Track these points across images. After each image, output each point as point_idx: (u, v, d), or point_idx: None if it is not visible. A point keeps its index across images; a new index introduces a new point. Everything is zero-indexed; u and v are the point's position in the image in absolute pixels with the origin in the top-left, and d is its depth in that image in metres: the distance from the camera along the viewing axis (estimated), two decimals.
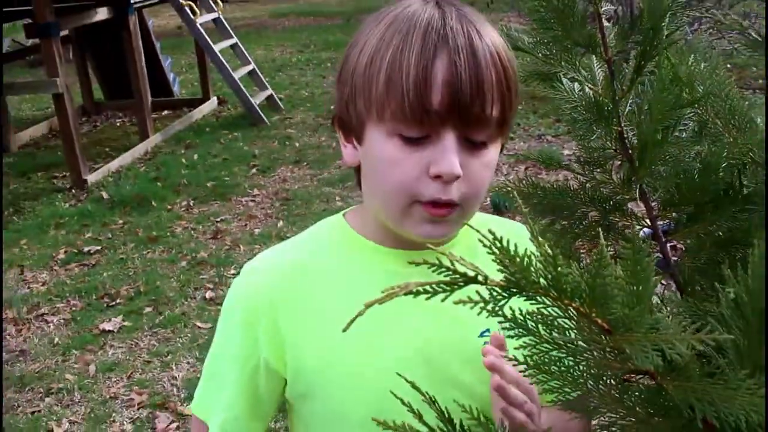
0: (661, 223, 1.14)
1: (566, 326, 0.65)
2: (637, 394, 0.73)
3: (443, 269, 0.54)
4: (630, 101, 1.10)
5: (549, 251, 0.54)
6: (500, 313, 0.61)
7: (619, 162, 1.14)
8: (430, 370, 0.98)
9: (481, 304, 0.55)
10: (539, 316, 0.66)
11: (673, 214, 1.14)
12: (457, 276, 0.53)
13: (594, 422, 0.77)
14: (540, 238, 0.59)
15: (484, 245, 0.57)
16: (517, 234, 1.10)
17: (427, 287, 0.54)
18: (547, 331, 0.67)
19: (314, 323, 1.00)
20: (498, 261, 0.54)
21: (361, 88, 0.92)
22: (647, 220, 1.14)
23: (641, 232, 1.18)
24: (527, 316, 0.67)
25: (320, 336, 1.00)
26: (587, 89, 1.08)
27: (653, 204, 1.13)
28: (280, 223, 5.34)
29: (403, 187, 0.91)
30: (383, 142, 0.91)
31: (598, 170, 1.17)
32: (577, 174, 1.18)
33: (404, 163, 0.90)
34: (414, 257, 0.98)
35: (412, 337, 1.00)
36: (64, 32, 7.31)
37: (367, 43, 0.93)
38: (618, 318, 0.60)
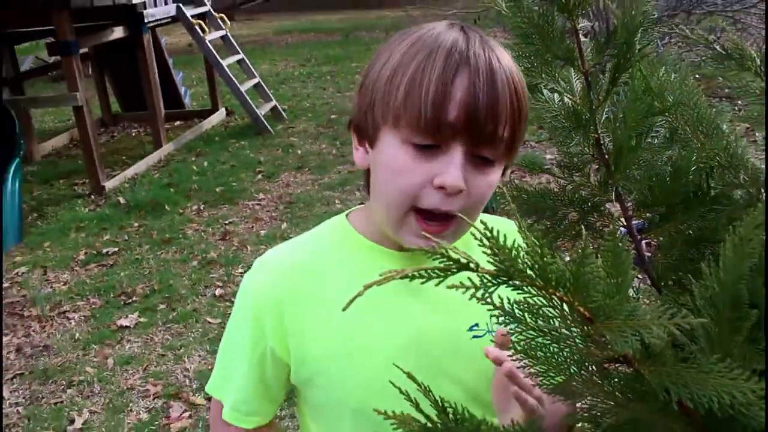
0: (635, 222, 1.15)
1: (551, 314, 0.65)
2: (616, 379, 0.73)
3: (437, 256, 0.54)
4: (606, 110, 1.10)
5: (536, 242, 0.55)
6: (489, 300, 0.62)
7: (597, 166, 1.15)
8: (423, 360, 0.98)
9: (472, 291, 0.55)
10: (526, 305, 0.66)
11: (647, 214, 1.15)
12: (450, 263, 0.54)
13: (577, 405, 0.76)
14: (527, 231, 0.59)
15: (476, 237, 0.57)
16: (506, 228, 1.11)
17: (422, 272, 0.54)
18: (533, 319, 0.67)
19: (315, 317, 1.00)
20: (488, 250, 0.55)
21: (381, 97, 0.91)
22: (623, 220, 1.15)
23: (619, 231, 1.18)
24: (515, 305, 0.68)
25: (321, 328, 1.00)
26: (566, 99, 1.09)
27: (628, 205, 1.14)
28: (284, 225, 5.34)
29: (406, 193, 0.90)
30: (396, 149, 0.90)
31: (577, 174, 1.17)
32: (557, 177, 1.19)
33: (412, 171, 0.89)
34: (412, 259, 0.98)
35: (407, 330, 1.00)
36: (84, 50, 7.30)
37: (391, 57, 0.92)
38: (599, 306, 0.60)
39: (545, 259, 0.56)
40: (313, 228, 1.11)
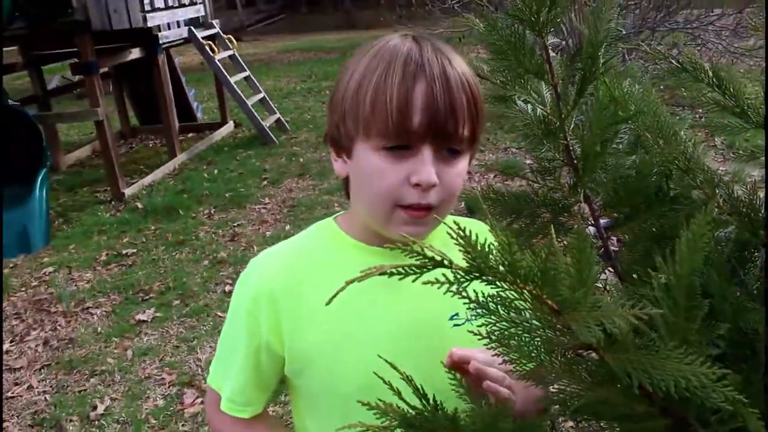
0: (603, 221, 1.14)
1: (521, 307, 0.65)
2: (582, 365, 0.73)
3: (414, 254, 0.53)
4: (574, 119, 1.10)
5: (506, 240, 0.54)
6: (464, 294, 0.61)
7: (566, 170, 1.14)
8: (410, 348, 0.98)
9: (447, 285, 0.55)
10: (498, 298, 0.66)
11: (613, 213, 1.14)
12: (426, 260, 0.53)
13: (549, 390, 0.76)
14: (498, 230, 0.58)
15: (452, 236, 0.57)
16: (478, 228, 1.10)
17: (400, 269, 0.53)
18: (506, 311, 0.67)
19: (307, 309, 0.99)
20: (461, 248, 0.54)
21: (351, 110, 0.92)
22: (591, 219, 1.14)
23: (588, 230, 1.18)
24: (488, 298, 0.67)
25: (311, 320, 0.99)
26: (538, 110, 1.08)
27: (596, 206, 1.13)
28: (288, 227, 5.33)
29: (387, 193, 0.91)
30: (370, 155, 0.91)
31: (549, 178, 1.17)
32: (531, 181, 1.18)
33: (388, 174, 0.90)
34: (393, 255, 0.98)
35: (393, 320, 0.99)
36: (104, 69, 7.28)
37: (355, 72, 0.93)
38: (565, 299, 0.60)
39: (515, 256, 0.55)
40: (303, 230, 1.11)
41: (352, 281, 0.50)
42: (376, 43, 0.95)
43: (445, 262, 0.52)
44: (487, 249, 0.55)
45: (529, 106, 1.10)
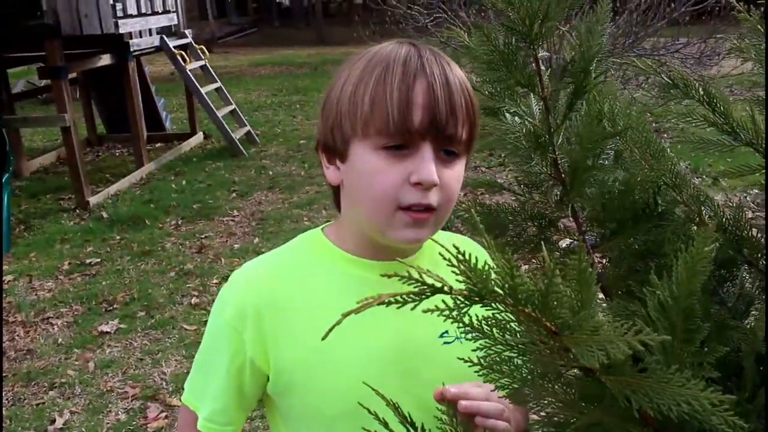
0: (588, 237, 1.12)
1: (517, 329, 0.61)
2: (578, 388, 0.70)
3: (412, 281, 0.50)
4: (561, 133, 1.08)
5: (507, 263, 0.50)
6: (460, 319, 0.58)
7: (553, 184, 1.12)
8: (399, 367, 0.94)
9: (446, 312, 0.51)
10: (494, 321, 0.62)
11: (599, 229, 1.12)
12: (425, 287, 0.49)
13: (542, 414, 0.72)
14: (499, 253, 0.55)
15: (445, 258, 0.53)
16: (472, 248, 1.07)
17: (398, 297, 0.50)
18: (500, 333, 0.63)
19: (293, 325, 0.95)
20: (460, 272, 0.50)
21: (347, 111, 0.90)
22: (577, 235, 1.12)
23: (571, 245, 1.16)
24: (483, 321, 0.64)
25: (298, 337, 0.94)
26: (527, 123, 1.06)
27: (582, 220, 1.11)
28: (256, 240, 5.25)
29: (387, 193, 0.88)
30: (369, 155, 0.89)
31: (536, 191, 1.15)
32: (517, 195, 1.16)
33: (388, 173, 0.88)
34: (385, 268, 0.95)
35: (382, 339, 0.95)
36: (72, 75, 7.14)
37: (350, 76, 0.91)
38: (564, 322, 0.57)
39: (516, 280, 0.52)
40: (288, 242, 1.06)
41: (348, 314, 0.46)
42: (370, 50, 0.93)
43: (446, 288, 0.49)
44: (485, 272, 0.52)
45: (518, 119, 1.08)
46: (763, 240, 1.00)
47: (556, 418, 0.72)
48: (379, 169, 0.88)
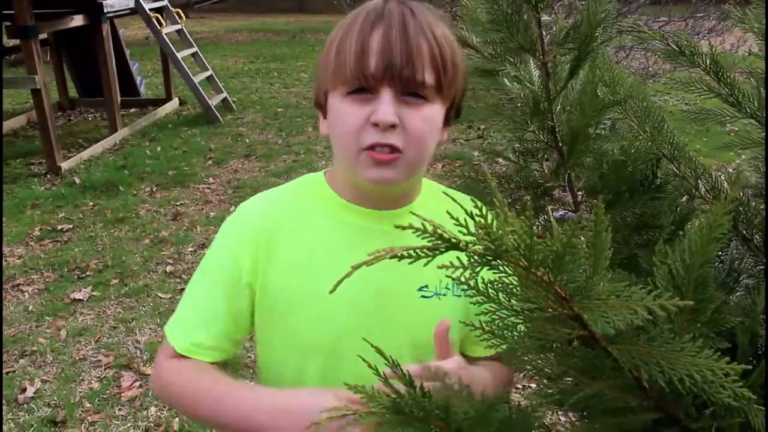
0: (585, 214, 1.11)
1: (524, 294, 0.60)
2: (579, 358, 0.69)
3: (427, 234, 0.47)
4: (560, 100, 1.06)
5: (527, 220, 0.48)
6: (471, 284, 0.56)
7: (549, 153, 1.10)
8: (376, 312, 1.00)
9: (460, 271, 0.49)
10: (500, 285, 0.61)
11: (594, 200, 1.11)
12: (440, 242, 0.47)
13: (542, 385, 0.71)
14: (507, 212, 0.53)
15: (452, 216, 0.52)
16: (470, 204, 1.08)
17: (412, 252, 0.47)
18: (506, 298, 0.61)
19: (287, 256, 1.01)
20: (476, 228, 0.48)
21: (323, 67, 0.97)
22: (572, 205, 1.11)
23: (565, 215, 1.14)
24: (489, 285, 0.62)
25: (287, 271, 1.01)
26: (526, 87, 1.04)
27: (577, 191, 1.10)
28: (232, 208, 5.14)
29: (351, 135, 0.93)
30: (338, 103, 0.95)
31: (531, 160, 1.13)
32: (512, 162, 1.14)
33: (351, 116, 0.93)
34: (373, 215, 1.01)
35: (365, 280, 0.97)
36: (43, 35, 6.94)
37: (330, 37, 0.98)
38: (579, 287, 0.55)
39: (533, 239, 0.50)
40: (292, 181, 1.12)
41: (358, 266, 0.44)
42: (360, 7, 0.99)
43: (461, 245, 0.46)
44: (504, 230, 0.49)
45: (516, 84, 1.05)
46: (761, 216, 0.99)
47: (555, 390, 0.71)
48: (344, 115, 0.94)
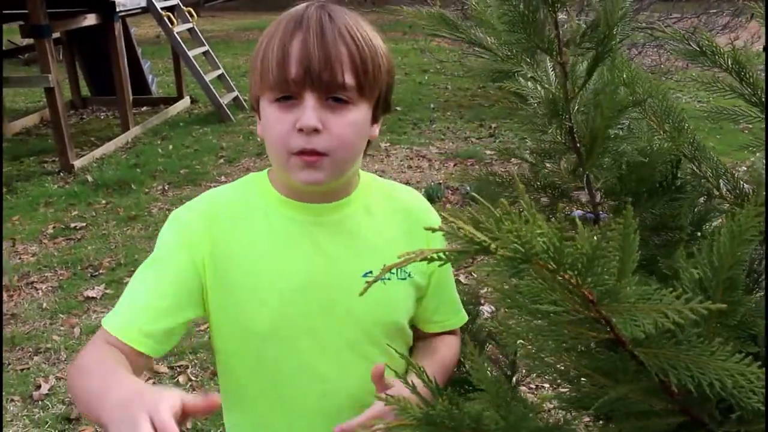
0: (600, 212, 1.10)
1: (550, 298, 0.59)
2: (604, 360, 0.68)
3: (456, 238, 0.47)
4: (578, 100, 1.05)
5: (558, 223, 0.48)
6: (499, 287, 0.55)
7: (567, 154, 1.09)
8: (320, 297, 1.03)
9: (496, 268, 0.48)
10: (526, 288, 0.60)
11: (612, 201, 1.10)
12: (470, 245, 0.46)
13: (564, 389, 0.70)
14: (536, 214, 0.52)
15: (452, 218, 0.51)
16: (421, 201, 1.16)
17: (440, 254, 0.47)
18: (533, 302, 0.61)
19: (230, 248, 1.04)
20: (506, 232, 0.47)
21: (252, 72, 1.00)
22: (590, 206, 1.10)
23: (585, 215, 1.13)
24: (514, 288, 0.61)
25: (231, 258, 1.03)
26: (544, 88, 1.03)
27: (595, 192, 1.09)
28: None
29: (280, 141, 0.96)
30: (267, 108, 0.97)
31: (549, 161, 1.12)
32: (530, 163, 1.13)
33: (279, 122, 0.96)
34: (313, 210, 1.05)
35: (305, 270, 1.04)
36: (56, 35, 6.97)
37: (259, 41, 1.00)
38: (606, 290, 0.54)
39: (563, 242, 0.49)
40: (240, 179, 1.15)
41: (391, 267, 0.44)
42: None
43: (492, 247, 0.46)
44: (533, 233, 0.49)
45: (531, 84, 1.04)
46: None
47: (579, 393, 0.70)
48: (273, 121, 0.97)
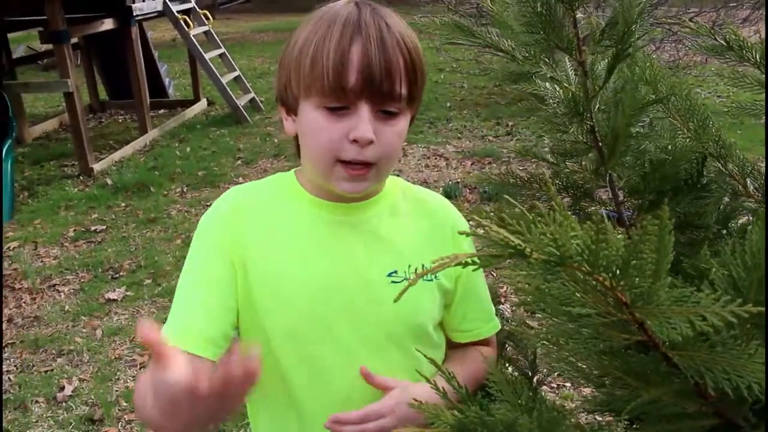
0: (625, 212, 1.09)
1: (582, 300, 0.58)
2: (636, 362, 0.67)
3: (490, 241, 0.46)
4: (598, 99, 1.03)
5: (594, 225, 0.46)
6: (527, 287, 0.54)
7: (588, 153, 1.08)
8: (343, 299, 1.01)
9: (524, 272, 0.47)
10: (557, 290, 0.59)
11: (635, 201, 1.08)
12: (505, 249, 0.45)
13: (597, 392, 0.69)
14: (570, 216, 0.51)
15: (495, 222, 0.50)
16: (448, 205, 1.14)
17: (474, 259, 0.46)
18: (563, 305, 0.60)
19: (260, 246, 1.02)
20: (545, 234, 0.46)
21: (295, 71, 0.95)
22: (613, 206, 1.08)
23: (610, 214, 1.12)
24: (545, 290, 0.60)
25: (261, 259, 1.01)
26: (564, 88, 1.01)
27: (618, 191, 1.07)
28: None
29: (328, 149, 0.94)
30: (312, 113, 0.94)
31: (570, 161, 1.10)
32: (551, 163, 1.11)
33: (329, 130, 0.93)
34: (341, 209, 1.03)
35: (328, 270, 1.02)
36: (74, 40, 7.02)
37: (300, 36, 0.96)
38: (643, 291, 0.53)
39: (599, 245, 0.48)
40: (267, 177, 1.13)
41: (424, 274, 0.43)
42: (321, 8, 0.98)
43: (527, 251, 0.45)
44: (568, 235, 0.48)
45: (548, 84, 1.03)
46: None
47: (612, 396, 0.69)
48: (320, 128, 0.93)
